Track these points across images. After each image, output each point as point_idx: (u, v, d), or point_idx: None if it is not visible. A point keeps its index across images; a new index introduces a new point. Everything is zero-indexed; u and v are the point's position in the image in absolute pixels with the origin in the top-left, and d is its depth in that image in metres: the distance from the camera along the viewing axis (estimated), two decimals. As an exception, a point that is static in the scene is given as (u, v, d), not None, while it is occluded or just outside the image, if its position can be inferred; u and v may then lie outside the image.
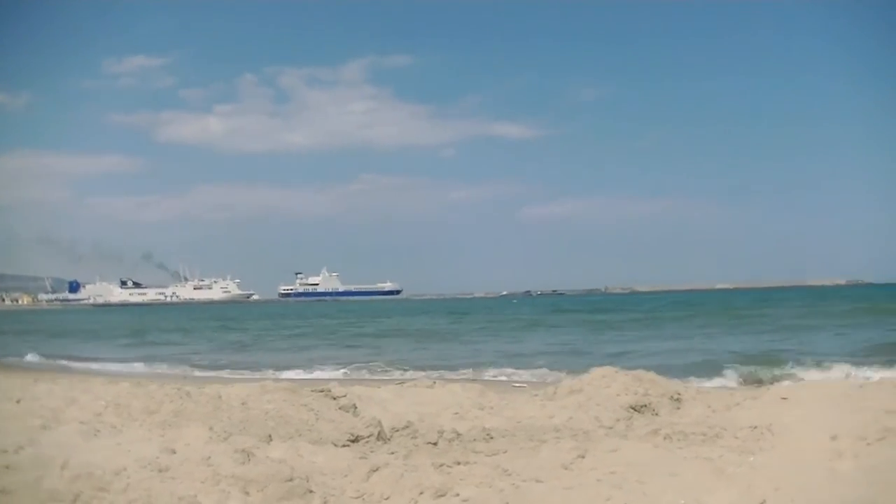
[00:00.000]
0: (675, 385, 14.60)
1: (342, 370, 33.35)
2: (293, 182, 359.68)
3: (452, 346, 49.48)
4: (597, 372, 14.12)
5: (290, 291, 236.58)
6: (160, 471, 7.56)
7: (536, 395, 14.38)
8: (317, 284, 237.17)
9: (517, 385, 24.85)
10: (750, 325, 57.34)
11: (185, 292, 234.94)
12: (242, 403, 11.79)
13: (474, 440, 10.43)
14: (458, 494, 7.81)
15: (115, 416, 10.62)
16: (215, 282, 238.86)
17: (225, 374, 33.54)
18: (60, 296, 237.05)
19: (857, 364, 27.55)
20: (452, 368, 32.34)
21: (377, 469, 8.33)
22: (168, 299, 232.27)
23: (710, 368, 28.52)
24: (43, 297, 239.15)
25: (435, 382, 16.33)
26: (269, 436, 9.76)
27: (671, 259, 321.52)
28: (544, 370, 30.28)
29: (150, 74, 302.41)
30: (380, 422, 10.89)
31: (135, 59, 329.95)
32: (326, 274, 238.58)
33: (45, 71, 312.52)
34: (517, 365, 32.74)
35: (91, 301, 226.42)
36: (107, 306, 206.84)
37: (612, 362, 17.64)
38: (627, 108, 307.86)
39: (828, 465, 8.35)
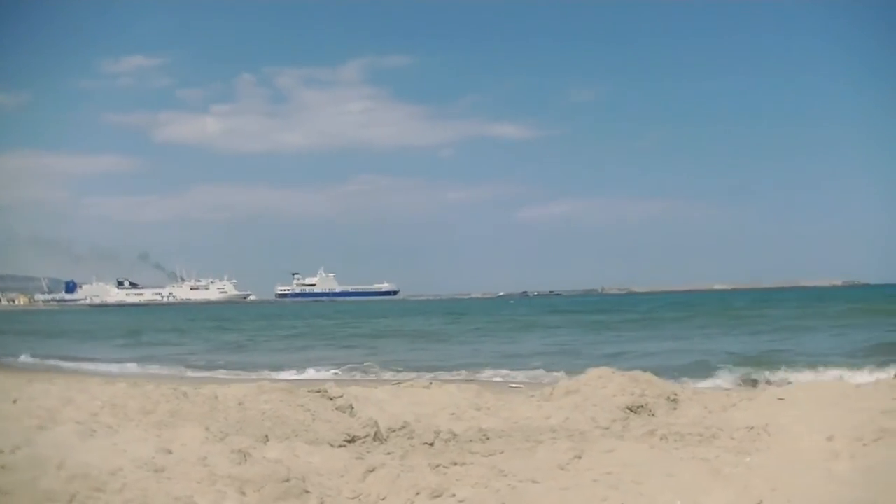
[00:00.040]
0: (671, 386, 14.61)
1: (333, 371, 33.38)
2: (291, 182, 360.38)
3: (449, 346, 49.51)
4: (593, 372, 14.12)
5: (286, 292, 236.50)
6: (156, 471, 7.55)
7: (533, 396, 14.39)
8: (314, 285, 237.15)
9: (514, 386, 24.89)
10: (746, 325, 57.41)
11: (182, 293, 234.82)
12: (239, 404, 11.78)
13: (471, 441, 10.43)
14: (454, 495, 7.81)
15: (112, 416, 10.61)
16: (212, 282, 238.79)
17: (220, 374, 33.52)
18: (57, 296, 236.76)
19: (853, 365, 27.55)
20: (449, 369, 32.32)
21: (373, 469, 8.33)
22: (165, 300, 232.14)
23: (707, 369, 28.54)
24: (39, 297, 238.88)
25: (431, 383, 16.32)
26: (266, 436, 9.75)
27: (668, 260, 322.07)
28: (541, 371, 30.30)
29: (147, 74, 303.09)
30: (376, 422, 10.88)
31: (132, 59, 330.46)
32: (323, 274, 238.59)
33: (43, 71, 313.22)
34: (514, 365, 32.77)
35: (87, 301, 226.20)
36: (103, 307, 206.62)
37: (609, 363, 17.64)
38: (625, 109, 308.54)
39: (824, 465, 8.36)
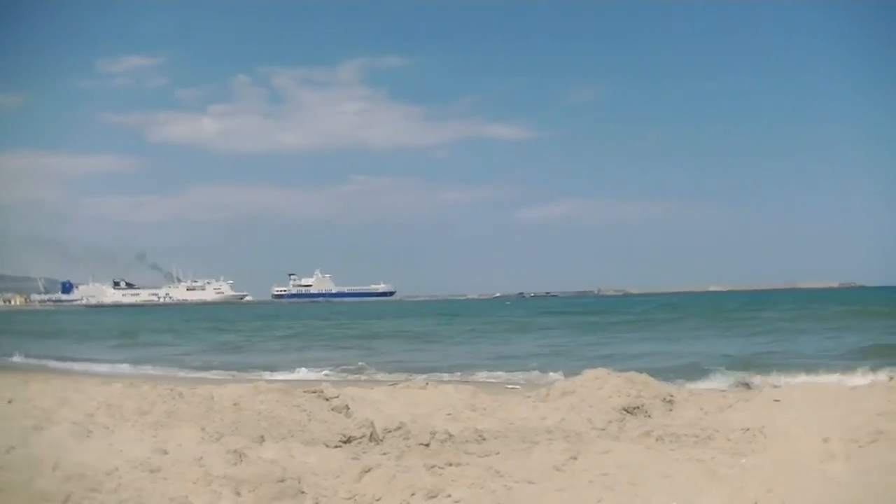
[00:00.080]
0: (667, 387, 14.62)
1: (325, 371, 33.37)
2: (287, 183, 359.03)
3: (445, 347, 49.48)
4: (589, 374, 14.12)
5: (283, 293, 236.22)
6: (152, 471, 7.55)
7: (529, 397, 14.39)
8: (310, 286, 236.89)
9: (510, 387, 24.87)
10: (742, 327, 57.42)
11: (178, 293, 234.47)
12: (235, 404, 11.77)
13: (466, 441, 10.42)
14: (449, 495, 7.81)
15: (108, 416, 10.61)
16: (208, 283, 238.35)
17: (213, 374, 33.49)
18: (53, 296, 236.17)
19: (849, 367, 27.55)
20: (445, 370, 32.30)
21: (369, 470, 8.33)
22: (161, 300, 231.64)
23: (702, 371, 28.54)
24: (35, 297, 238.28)
25: (428, 384, 16.32)
26: (262, 436, 9.75)
27: (665, 261, 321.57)
28: (537, 372, 30.28)
29: (144, 75, 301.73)
30: (372, 423, 10.89)
31: (129, 59, 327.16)
32: (320, 275, 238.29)
33: (40, 71, 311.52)
34: (510, 366, 32.77)
35: (84, 302, 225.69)
36: (99, 307, 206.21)
37: (605, 364, 17.64)
38: (623, 110, 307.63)
39: (820, 467, 8.37)
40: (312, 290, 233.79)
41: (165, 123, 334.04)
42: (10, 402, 11.01)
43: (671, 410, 13.21)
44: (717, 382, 25.69)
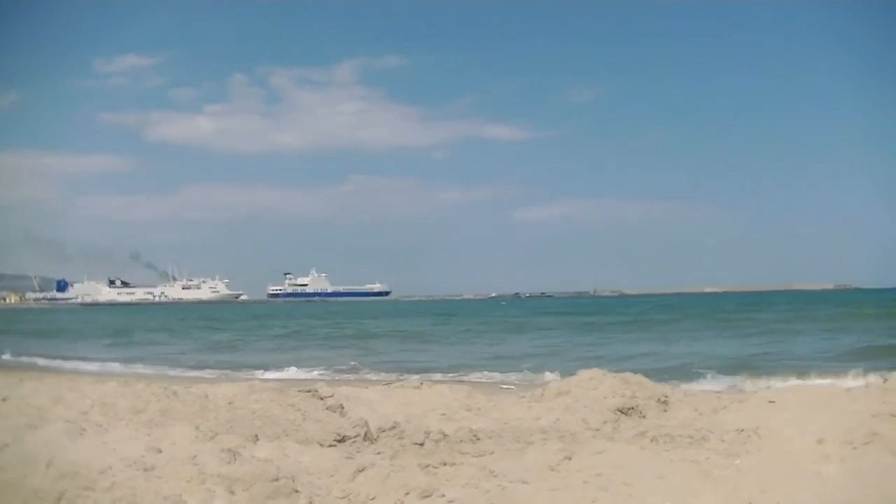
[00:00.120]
0: (662, 388, 14.61)
1: (317, 371, 33.38)
2: (284, 182, 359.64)
3: (440, 347, 49.51)
4: (584, 374, 14.11)
5: (278, 292, 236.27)
6: (145, 470, 7.54)
7: (524, 397, 14.38)
8: (306, 285, 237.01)
9: (505, 386, 24.88)
10: (737, 328, 57.53)
11: (174, 292, 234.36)
12: (229, 403, 11.76)
13: (461, 441, 10.42)
14: (443, 495, 7.80)
15: (102, 414, 10.61)
16: (204, 282, 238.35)
17: (204, 373, 33.47)
18: (48, 295, 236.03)
19: (844, 368, 27.56)
20: (440, 370, 32.32)
21: (363, 469, 8.32)
22: (156, 299, 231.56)
23: (697, 372, 28.59)
24: (31, 295, 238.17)
25: (422, 383, 16.33)
26: (256, 435, 9.74)
27: (660, 262, 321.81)
28: (531, 372, 30.29)
29: (140, 74, 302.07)
30: (366, 422, 10.87)
31: (125, 58, 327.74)
32: (315, 275, 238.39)
33: (36, 70, 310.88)
34: (505, 366, 32.78)
35: (79, 300, 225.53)
36: (94, 305, 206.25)
37: (600, 365, 17.65)
38: (620, 112, 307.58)
39: (814, 468, 8.38)
40: (308, 290, 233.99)
41: (162, 123, 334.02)
42: (4, 399, 11.01)
43: (666, 411, 13.21)
44: (712, 383, 25.71)
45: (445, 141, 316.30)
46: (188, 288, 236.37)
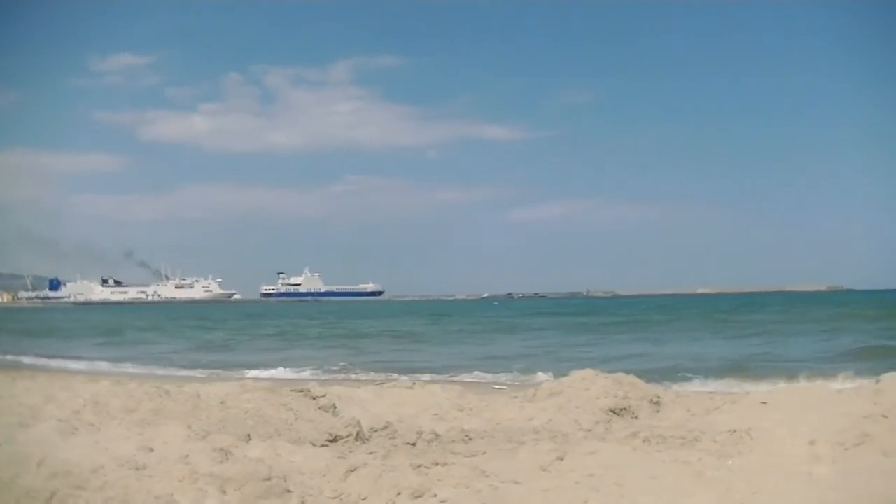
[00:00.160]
0: (654, 388, 14.64)
1: (306, 371, 33.39)
2: (278, 182, 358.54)
3: (432, 347, 49.51)
4: (577, 374, 14.13)
5: (272, 291, 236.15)
6: (137, 469, 7.53)
7: (516, 397, 14.40)
8: (299, 285, 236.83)
9: (497, 387, 24.88)
10: (731, 329, 57.60)
11: (167, 291, 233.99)
12: (221, 402, 11.77)
13: (453, 441, 10.43)
14: (435, 495, 7.80)
15: (94, 413, 10.60)
16: (197, 281, 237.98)
17: (192, 373, 33.49)
18: (41, 294, 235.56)
19: (836, 369, 27.57)
20: (432, 370, 32.32)
21: (355, 469, 8.32)
22: (149, 298, 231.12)
23: (690, 372, 28.59)
24: (23, 294, 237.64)
25: (415, 383, 16.34)
26: (248, 435, 9.74)
27: (653, 263, 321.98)
28: (523, 373, 30.30)
29: (135, 73, 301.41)
30: (359, 422, 10.88)
31: (120, 57, 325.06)
32: (309, 274, 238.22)
33: (30, 69, 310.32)
34: (497, 367, 32.80)
35: (72, 299, 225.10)
36: (87, 304, 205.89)
37: (593, 365, 17.65)
38: (614, 113, 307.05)
39: (806, 469, 8.38)
40: (301, 289, 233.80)
41: (157, 122, 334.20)
42: (-5, 398, 11.00)
43: (658, 412, 13.22)
44: (705, 384, 25.71)
45: (440, 141, 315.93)
46: (181, 287, 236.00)
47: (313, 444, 9.92)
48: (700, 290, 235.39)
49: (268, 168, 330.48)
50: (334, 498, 7.83)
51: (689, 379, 26.73)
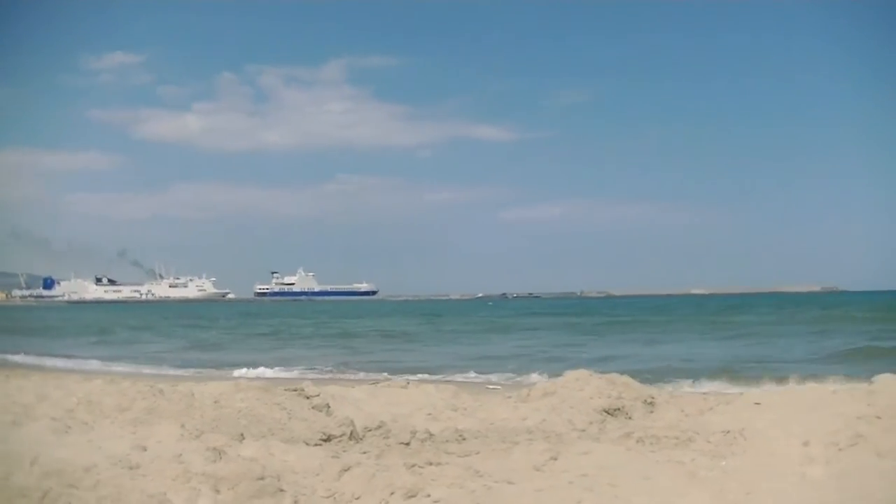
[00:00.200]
0: (648, 389, 14.62)
1: (296, 370, 33.38)
2: (272, 181, 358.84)
3: (426, 347, 49.50)
4: (570, 375, 14.11)
5: (265, 291, 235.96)
6: (131, 468, 7.52)
7: (510, 397, 14.38)
8: (293, 284, 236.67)
9: (491, 387, 24.87)
10: (724, 330, 57.63)
11: (161, 290, 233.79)
12: (215, 401, 11.75)
13: (447, 441, 10.42)
14: (429, 495, 7.80)
15: (87, 412, 10.57)
16: (191, 280, 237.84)
17: (179, 372, 33.54)
18: (35, 292, 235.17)
19: (830, 370, 27.59)
20: (426, 370, 32.29)
21: (349, 468, 8.31)
22: (143, 297, 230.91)
23: (684, 373, 28.59)
24: (17, 293, 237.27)
25: (409, 383, 16.34)
26: (242, 434, 9.72)
27: (647, 264, 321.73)
28: (518, 372, 30.30)
29: (129, 71, 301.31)
30: (352, 421, 10.86)
31: (114, 55, 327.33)
32: (302, 273, 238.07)
33: (23, 67, 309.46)
34: (491, 367, 32.82)
35: (65, 298, 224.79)
36: (81, 303, 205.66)
37: (586, 365, 17.66)
38: (607, 114, 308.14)
39: (799, 470, 8.39)
40: (295, 289, 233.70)
41: (150, 120, 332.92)
42: (-12, 397, 10.97)
43: (652, 412, 13.21)
44: (698, 385, 25.72)
45: (433, 141, 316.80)
46: (175, 286, 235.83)
47: (307, 444, 9.91)
48: (694, 291, 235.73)
49: (261, 167, 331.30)
50: (328, 497, 7.82)
51: (682, 379, 26.70)
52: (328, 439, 10.38)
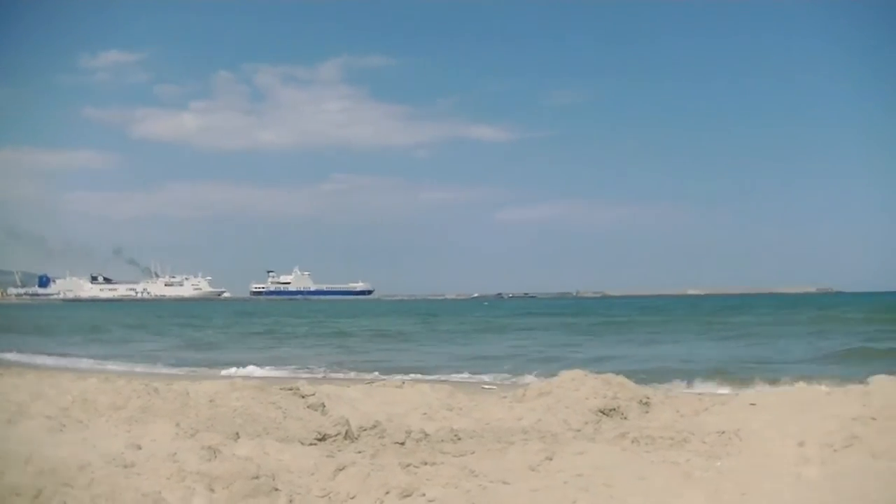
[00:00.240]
0: (643, 389, 14.63)
1: (285, 369, 33.38)
2: (268, 180, 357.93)
3: (421, 347, 49.45)
4: (566, 375, 14.12)
5: (261, 290, 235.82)
6: (125, 466, 7.51)
7: (505, 397, 14.39)
8: (288, 283, 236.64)
9: (486, 387, 24.86)
10: (720, 331, 57.66)
11: (156, 289, 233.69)
12: (210, 400, 11.74)
13: (442, 441, 10.41)
14: (424, 494, 7.79)
15: (82, 411, 10.56)
16: (186, 279, 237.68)
17: (170, 370, 33.48)
18: (30, 290, 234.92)
19: (825, 371, 27.61)
20: (421, 370, 32.28)
21: (344, 468, 8.31)
22: (138, 295, 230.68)
23: (680, 373, 28.56)
24: (12, 291, 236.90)
25: (404, 382, 16.33)
26: (237, 433, 9.72)
27: (643, 264, 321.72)
28: (513, 373, 30.29)
29: (125, 70, 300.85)
30: (348, 421, 10.85)
31: (110, 54, 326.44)
32: (298, 273, 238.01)
33: (19, 66, 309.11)
34: (486, 367, 32.80)
35: (61, 296, 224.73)
36: (76, 301, 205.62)
37: (582, 366, 17.66)
38: (604, 114, 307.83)
39: (795, 471, 8.39)
40: (291, 288, 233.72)
41: (146, 119, 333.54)
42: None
43: (647, 412, 13.22)
44: (694, 385, 25.71)
45: (429, 140, 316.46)
46: (170, 285, 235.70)
47: (302, 443, 9.91)
48: (690, 291, 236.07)
49: (258, 166, 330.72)
50: (322, 497, 7.82)
51: (678, 380, 26.68)
52: (323, 439, 10.37)
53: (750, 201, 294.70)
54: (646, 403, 13.60)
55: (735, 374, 28.02)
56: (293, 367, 34.43)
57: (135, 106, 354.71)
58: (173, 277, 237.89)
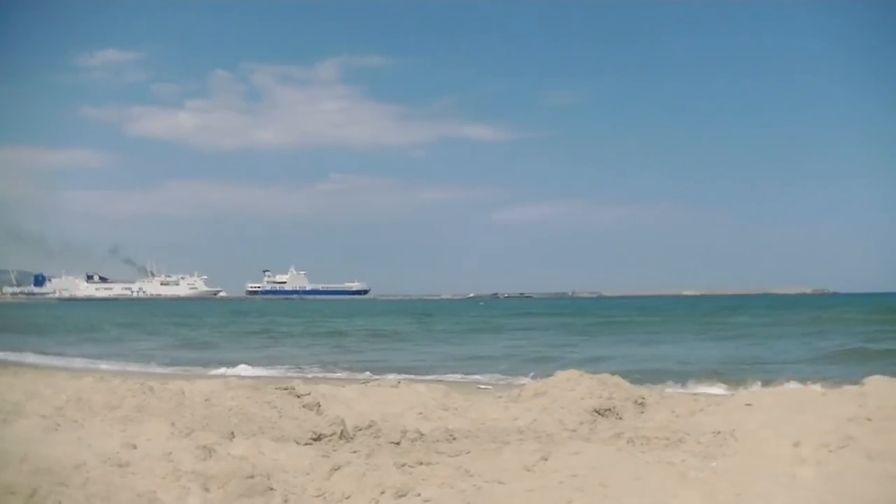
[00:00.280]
0: (639, 389, 14.62)
1: (277, 368, 33.39)
2: (264, 179, 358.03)
3: (417, 346, 49.47)
4: (561, 375, 14.11)
5: (257, 289, 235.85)
6: (120, 466, 7.50)
7: (501, 397, 14.38)
8: (284, 283, 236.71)
9: (482, 387, 24.87)
10: (716, 331, 57.76)
11: (152, 288, 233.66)
12: (205, 400, 11.73)
13: (437, 441, 10.41)
14: (419, 494, 7.79)
15: (77, 410, 10.54)
16: (182, 278, 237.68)
17: (163, 370, 33.51)
18: (26, 289, 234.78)
19: (821, 372, 27.64)
20: (417, 369, 32.28)
21: (339, 468, 8.30)
22: (134, 295, 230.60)
23: (675, 374, 28.59)
24: (8, 290, 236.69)
25: (399, 382, 16.33)
26: (232, 433, 9.71)
27: (638, 265, 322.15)
28: (509, 372, 30.30)
29: (122, 69, 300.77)
30: (343, 420, 10.85)
31: (107, 53, 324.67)
32: (294, 272, 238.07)
33: (16, 65, 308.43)
34: (482, 367, 32.82)
35: (56, 295, 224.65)
36: (72, 301, 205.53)
37: (577, 366, 17.66)
38: (601, 114, 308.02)
39: (790, 471, 8.39)
40: (287, 287, 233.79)
41: (143, 118, 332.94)
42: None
43: (643, 413, 13.22)
44: (689, 386, 25.72)
45: (426, 140, 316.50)
46: (166, 284, 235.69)
47: (297, 443, 9.90)
48: (685, 292, 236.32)
49: (254, 166, 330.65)
50: (318, 496, 7.81)
51: (673, 380, 26.69)
52: (318, 438, 10.37)
53: (749, 201, 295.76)
54: (641, 404, 13.60)
55: (731, 374, 28.04)
56: (286, 366, 34.42)
57: (132, 105, 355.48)
58: (169, 277, 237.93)
